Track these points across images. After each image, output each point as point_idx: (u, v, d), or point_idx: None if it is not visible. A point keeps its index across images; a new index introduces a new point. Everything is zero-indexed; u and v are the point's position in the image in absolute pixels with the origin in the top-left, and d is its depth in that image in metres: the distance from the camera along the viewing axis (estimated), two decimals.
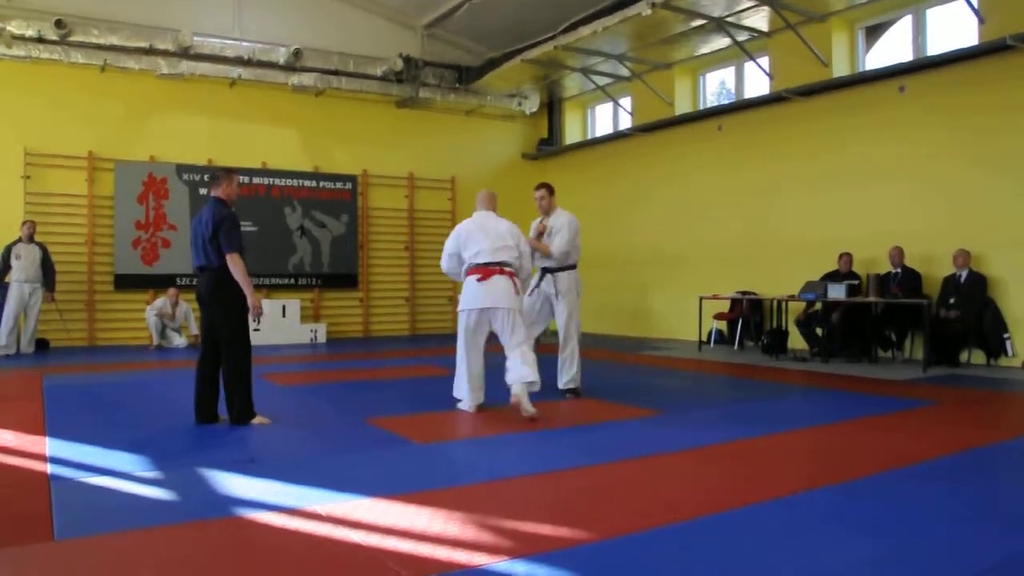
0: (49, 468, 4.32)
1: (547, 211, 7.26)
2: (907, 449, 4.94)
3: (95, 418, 6.09)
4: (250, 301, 5.70)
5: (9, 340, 10.86)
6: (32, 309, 11.09)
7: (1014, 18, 8.86)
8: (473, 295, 6.24)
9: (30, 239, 11.07)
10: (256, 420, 5.71)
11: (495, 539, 3.16)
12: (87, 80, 12.33)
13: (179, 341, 12.04)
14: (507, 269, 6.23)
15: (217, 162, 13.30)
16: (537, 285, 7.19)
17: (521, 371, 5.98)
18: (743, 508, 3.62)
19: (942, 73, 9.69)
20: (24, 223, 11.13)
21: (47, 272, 11.18)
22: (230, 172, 5.96)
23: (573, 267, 7.21)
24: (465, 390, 6.32)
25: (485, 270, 6.20)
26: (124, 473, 4.21)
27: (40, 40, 11.62)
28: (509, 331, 6.16)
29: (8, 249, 10.92)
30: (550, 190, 7.31)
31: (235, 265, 5.60)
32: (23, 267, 10.90)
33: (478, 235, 6.29)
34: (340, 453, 4.89)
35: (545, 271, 7.17)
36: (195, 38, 12.48)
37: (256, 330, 12.21)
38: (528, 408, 5.84)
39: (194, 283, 12.69)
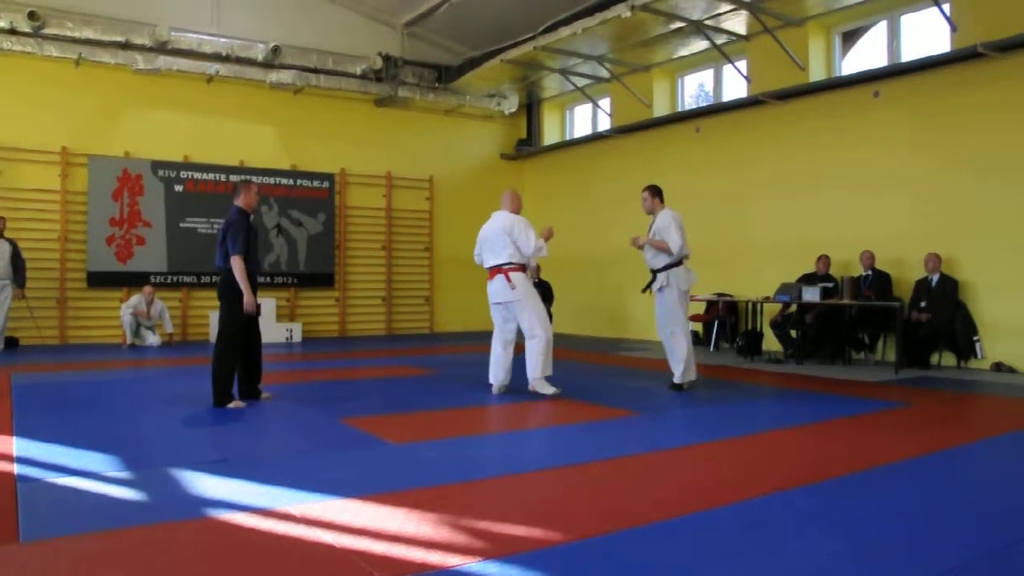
0: (16, 468, 4.26)
1: (651, 211, 7.67)
2: (879, 450, 4.99)
3: (65, 418, 6.01)
4: (245, 300, 6.30)
5: None
6: (1, 306, 10.92)
7: (986, 27, 8.98)
8: (489, 293, 7.26)
9: None
10: (232, 404, 6.27)
11: (469, 540, 3.16)
12: (61, 74, 12.17)
13: (153, 340, 11.92)
14: (504, 268, 7.05)
15: (193, 159, 13.21)
16: (651, 287, 7.62)
17: (528, 366, 7.03)
18: (718, 508, 3.64)
19: (916, 79, 9.80)
20: None
21: (17, 268, 11.01)
22: (248, 183, 6.70)
23: (679, 264, 7.44)
24: (491, 371, 7.24)
25: (489, 273, 7.22)
26: (93, 473, 4.16)
27: (12, 32, 11.45)
28: (515, 323, 7.16)
29: None
30: (653, 191, 7.73)
31: (236, 266, 6.25)
32: None
33: (482, 244, 7.27)
34: (314, 453, 4.86)
35: (654, 272, 7.59)
36: (172, 33, 12.36)
37: None
38: (545, 391, 6.93)
39: (168, 281, 12.78)
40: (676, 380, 7.39)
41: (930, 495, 3.95)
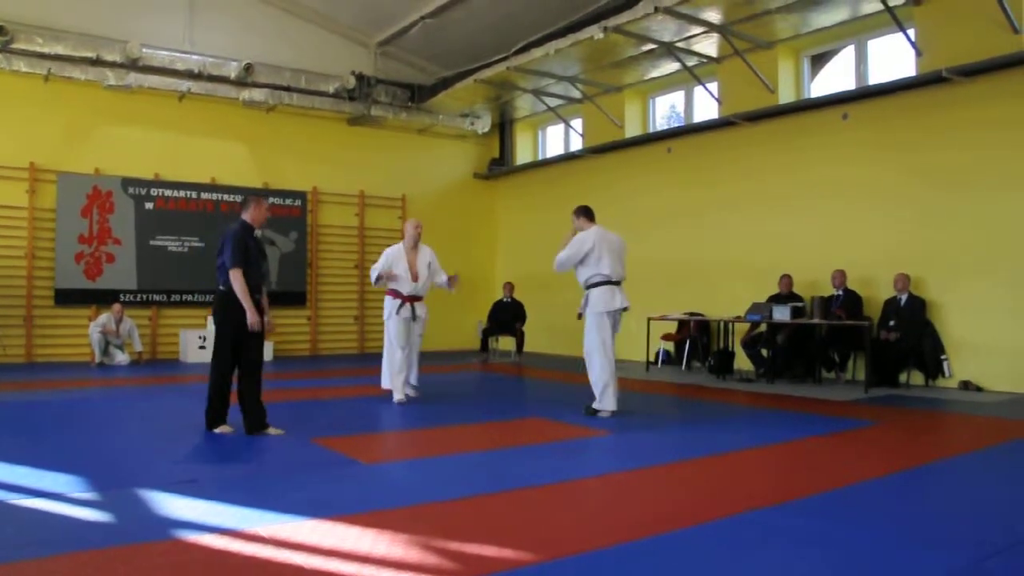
0: None
1: (579, 230, 7.52)
2: (850, 468, 5.04)
3: (30, 437, 5.91)
4: (248, 317, 5.86)
5: None
6: None
7: (949, 52, 9.18)
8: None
9: None
10: (219, 429, 5.93)
11: (440, 561, 3.14)
12: (30, 89, 12.04)
13: (121, 358, 11.77)
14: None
15: (164, 176, 13.11)
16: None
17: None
18: (689, 528, 3.64)
19: (883, 102, 9.98)
20: None
21: None
22: (258, 198, 6.27)
23: (602, 284, 7.18)
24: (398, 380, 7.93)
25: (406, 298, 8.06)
26: (58, 495, 4.09)
27: None
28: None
29: None
30: (577, 212, 7.71)
31: (235, 280, 5.81)
32: None
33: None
34: (284, 473, 4.81)
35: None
36: (144, 50, 12.29)
37: (201, 347, 12.11)
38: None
39: (137, 299, 12.63)
40: (593, 405, 7.07)
41: (901, 513, 3.98)
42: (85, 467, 4.76)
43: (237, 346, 5.94)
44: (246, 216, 6.11)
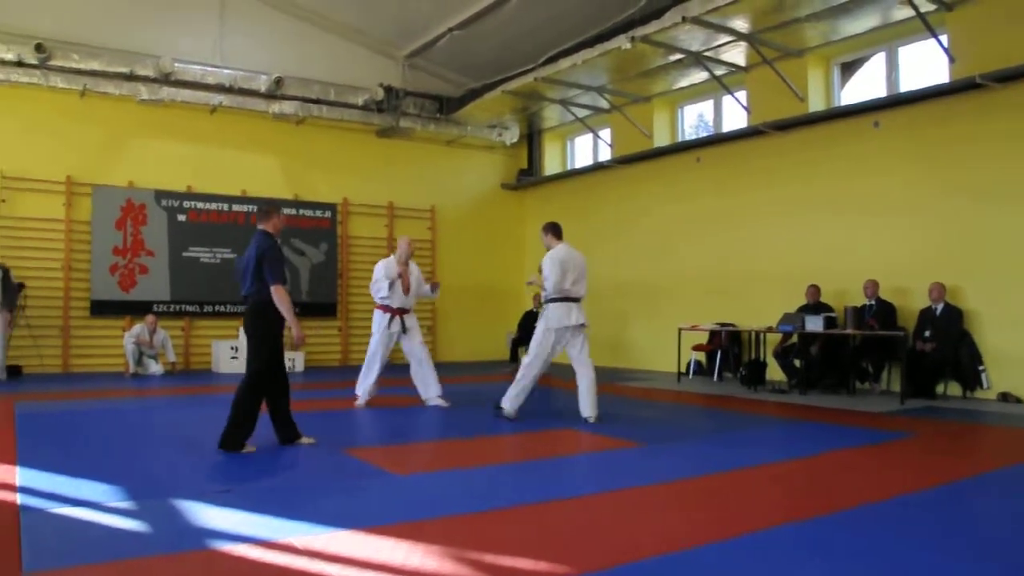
0: (19, 498, 4.24)
1: (548, 247, 7.76)
2: (887, 481, 4.96)
3: (68, 447, 5.99)
4: (295, 332, 5.88)
5: None
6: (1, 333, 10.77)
7: (983, 58, 9.06)
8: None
9: None
10: (244, 449, 5.69)
11: (473, 572, 3.13)
12: (66, 105, 12.27)
13: (155, 368, 11.91)
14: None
15: (196, 189, 13.28)
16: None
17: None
18: (723, 541, 3.60)
19: (915, 109, 9.87)
20: None
21: (7, 292, 10.88)
22: (278, 206, 6.26)
23: (559, 300, 7.46)
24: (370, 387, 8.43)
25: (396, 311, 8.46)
26: (96, 503, 4.14)
27: (19, 64, 11.57)
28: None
29: None
30: (545, 229, 7.90)
31: (279, 296, 5.74)
32: None
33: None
34: (317, 484, 4.83)
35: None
36: (176, 64, 12.48)
37: (233, 358, 12.22)
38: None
39: (171, 310, 12.77)
40: (501, 402, 7.50)
41: (940, 528, 3.91)
42: (121, 476, 4.81)
43: (277, 362, 5.92)
44: (267, 226, 6.01)
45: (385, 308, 8.41)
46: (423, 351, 8.55)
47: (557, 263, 7.33)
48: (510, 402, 7.44)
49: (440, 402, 8.38)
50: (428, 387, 8.49)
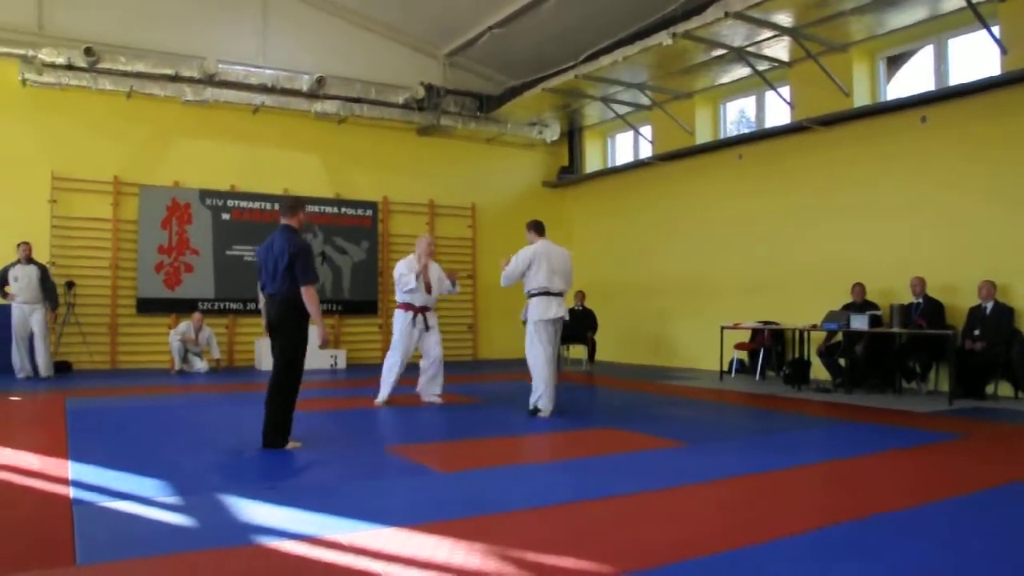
0: (72, 492, 4.33)
1: (530, 244, 7.92)
2: (935, 483, 4.87)
3: (117, 442, 6.11)
4: (320, 332, 5.96)
5: (21, 362, 10.89)
6: (38, 329, 10.94)
7: None
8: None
9: (27, 260, 10.97)
10: (289, 445, 5.75)
11: (516, 571, 3.13)
12: (114, 106, 12.52)
13: (200, 366, 12.10)
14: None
15: (239, 188, 13.46)
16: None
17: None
18: (767, 542, 3.56)
19: (964, 103, 9.66)
20: (19, 244, 11.01)
21: (47, 291, 11.06)
22: (303, 202, 6.25)
23: (539, 295, 7.70)
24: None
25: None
26: (145, 498, 4.21)
27: (70, 67, 11.83)
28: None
29: (5, 270, 10.87)
30: (528, 227, 8.03)
31: (310, 297, 5.77)
32: (21, 288, 10.84)
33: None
34: (361, 481, 4.87)
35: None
36: (220, 65, 12.68)
37: None
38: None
39: (215, 308, 12.94)
40: (536, 404, 7.59)
41: (990, 534, 3.82)
42: (168, 471, 4.90)
43: (302, 360, 5.94)
44: (293, 221, 6.00)
45: (407, 306, 8.49)
46: (440, 351, 8.65)
47: (524, 257, 7.65)
48: (543, 402, 7.55)
49: (437, 400, 8.58)
50: (433, 385, 8.63)
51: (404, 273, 8.43)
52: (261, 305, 6.08)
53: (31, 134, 12.08)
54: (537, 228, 7.96)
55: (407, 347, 8.49)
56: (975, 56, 10.01)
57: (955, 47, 10.32)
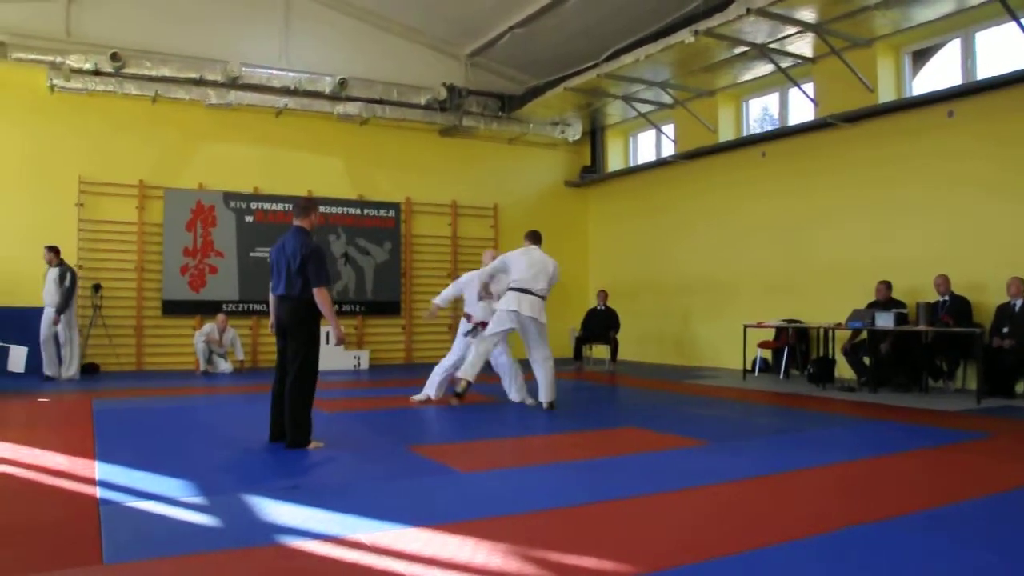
0: (98, 492, 4.38)
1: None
2: (963, 483, 4.81)
3: (143, 443, 6.17)
4: (335, 332, 6.02)
5: (47, 363, 10.97)
6: (66, 331, 10.97)
7: None
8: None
9: (53, 263, 10.99)
10: (311, 445, 5.81)
11: (538, 571, 3.13)
12: (139, 110, 12.66)
13: (225, 367, 12.20)
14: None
15: (263, 190, 13.55)
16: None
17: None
18: (791, 542, 3.53)
19: (993, 97, 9.53)
20: (46, 249, 11.04)
21: (59, 293, 10.92)
22: (316, 203, 6.26)
23: (510, 290, 8.15)
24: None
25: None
26: (171, 498, 4.25)
27: (96, 73, 11.99)
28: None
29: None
30: (525, 236, 8.53)
31: (322, 298, 5.81)
32: (46, 292, 10.93)
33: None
34: (383, 481, 4.88)
35: None
36: (243, 69, 12.79)
37: None
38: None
39: (239, 309, 13.03)
40: (458, 372, 8.31)
41: (1019, 535, 3.77)
42: (193, 472, 4.94)
43: (316, 360, 6.00)
44: (306, 223, 6.02)
45: (470, 318, 8.94)
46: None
47: (504, 257, 8.27)
48: (464, 371, 8.14)
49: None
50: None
51: (494, 265, 8.51)
52: (270, 305, 6.13)
53: (59, 139, 12.25)
54: (531, 237, 8.45)
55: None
56: (1004, 49, 9.86)
57: (983, 40, 10.18)
